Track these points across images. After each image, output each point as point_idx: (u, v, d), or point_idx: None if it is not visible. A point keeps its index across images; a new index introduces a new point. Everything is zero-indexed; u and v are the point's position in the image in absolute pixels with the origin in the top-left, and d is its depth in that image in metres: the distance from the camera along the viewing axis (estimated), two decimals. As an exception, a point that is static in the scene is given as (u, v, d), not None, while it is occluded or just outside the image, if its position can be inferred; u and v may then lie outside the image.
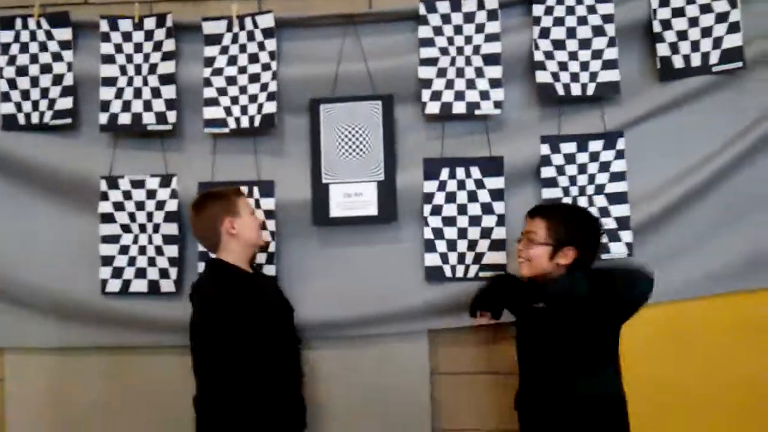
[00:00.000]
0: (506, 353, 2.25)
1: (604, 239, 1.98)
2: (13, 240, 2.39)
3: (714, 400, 2.22)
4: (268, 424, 1.90)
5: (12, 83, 2.39)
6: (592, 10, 2.24)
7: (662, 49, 2.21)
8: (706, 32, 2.19)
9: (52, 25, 2.38)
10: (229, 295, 1.92)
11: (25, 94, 2.39)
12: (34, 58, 2.40)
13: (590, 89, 2.21)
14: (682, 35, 2.21)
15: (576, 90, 2.21)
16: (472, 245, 2.26)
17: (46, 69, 2.39)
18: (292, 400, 2.03)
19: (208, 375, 1.88)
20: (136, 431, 2.37)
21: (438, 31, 2.27)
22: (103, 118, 2.34)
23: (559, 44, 2.24)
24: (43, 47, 2.40)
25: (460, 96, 2.25)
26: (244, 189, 2.22)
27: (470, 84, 2.25)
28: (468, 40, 2.27)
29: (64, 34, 2.38)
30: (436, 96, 2.25)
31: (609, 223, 2.16)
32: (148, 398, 2.36)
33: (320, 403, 2.30)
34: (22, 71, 2.39)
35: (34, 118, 2.38)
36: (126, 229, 2.33)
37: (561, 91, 2.22)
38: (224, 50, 2.34)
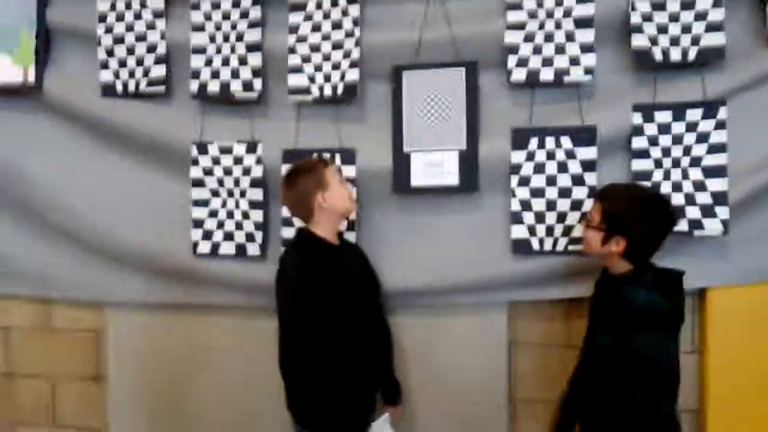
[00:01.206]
0: (581, 328, 2.26)
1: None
2: (112, 202, 2.57)
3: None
4: (348, 395, 2.00)
5: (110, 52, 2.55)
6: (696, -33, 2.12)
7: (773, 9, 2.07)
8: (825, -8, 2.03)
9: (145, -6, 2.51)
10: (310, 266, 2.01)
11: (122, 63, 2.55)
12: (129, 27, 2.54)
13: (692, 54, 2.10)
14: (798, -6, 2.06)
15: (676, 55, 2.11)
16: (561, 217, 2.23)
17: (140, 38, 2.53)
18: (373, 374, 2.13)
19: (286, 341, 1.98)
20: (222, 387, 2.55)
21: (526, -7, 2.23)
22: (194, 85, 2.46)
23: (658, 5, 2.13)
24: (138, 16, 2.54)
25: (548, 62, 2.20)
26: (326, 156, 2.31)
27: (559, 49, 2.19)
28: (558, 2, 2.20)
29: (157, 2, 2.51)
30: (522, 62, 2.21)
31: (704, 198, 2.09)
32: (234, 356, 2.53)
33: (399, 371, 2.37)
34: (118, 40, 2.55)
35: (131, 86, 2.54)
36: (215, 193, 2.47)
37: (659, 57, 2.12)
38: (308, 17, 2.39)
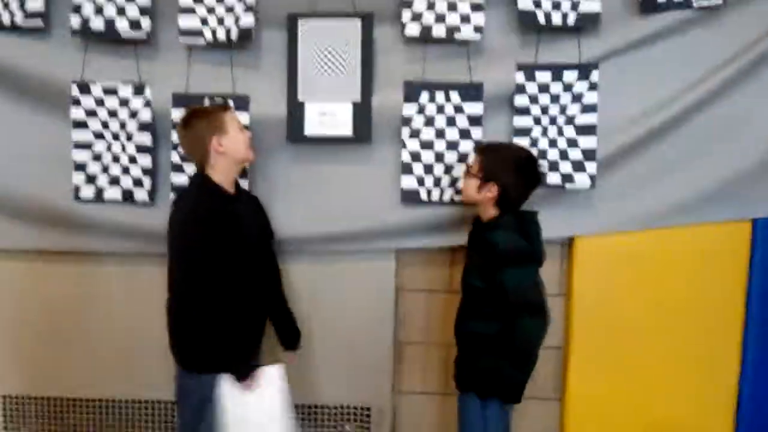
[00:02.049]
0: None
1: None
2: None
3: (660, 327, 2.44)
4: (232, 336, 2.04)
5: (-20, -21, 2.38)
6: (576, -62, 2.28)
7: (644, -19, 2.28)
8: (689, -35, 2.26)
9: None
10: (205, 211, 2.01)
11: (-6, -7, 2.39)
12: (2, -45, 2.38)
13: (570, 19, 2.27)
14: (666, -32, 2.27)
15: (557, 19, 2.27)
16: (448, 169, 2.37)
17: (15, -34, 2.38)
18: (261, 316, 2.20)
19: (178, 287, 2.01)
20: (106, 337, 2.52)
21: (420, -50, 2.30)
22: (75, 21, 2.35)
23: (541, -29, 2.28)
24: (11, -58, 2.38)
25: (440, 18, 2.30)
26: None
27: (451, 6, 2.29)
28: (450, -40, 2.30)
29: (34, -71, 2.36)
30: (416, 17, 2.30)
31: (576, 155, 2.30)
32: (119, 304, 2.51)
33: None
34: (-10, -33, 2.38)
35: (5, 19, 2.38)
36: (98, 136, 2.40)
37: (542, 20, 2.27)
38: (201, -43, 2.35)
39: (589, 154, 2.31)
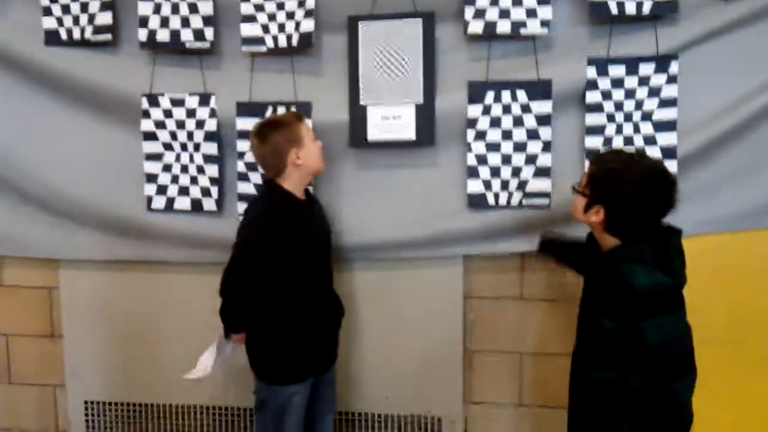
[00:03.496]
0: (533, 280, 2.43)
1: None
2: (63, 156, 2.59)
3: (745, 335, 2.33)
4: (293, 352, 2.12)
5: (53, -3, 2.53)
6: None
7: (727, -36, 2.16)
8: (777, -53, 2.13)
9: (90, -63, 2.47)
10: (278, 219, 2.07)
11: (66, 9, 2.52)
12: (73, -28, 2.52)
13: (646, 7, 2.18)
14: (750, -51, 2.15)
15: (630, 8, 2.19)
16: (516, 172, 2.34)
17: (85, -17, 2.51)
18: (321, 331, 2.23)
19: (237, 289, 2.08)
20: (178, 343, 2.62)
21: (483, -57, 2.27)
22: (142, 34, 2.46)
23: (614, -42, 2.21)
24: (82, -40, 2.51)
25: (505, 14, 2.26)
26: (282, 110, 2.36)
27: (516, 1, 2.25)
28: (515, -47, 2.26)
29: (104, -53, 2.48)
30: (479, 14, 2.27)
31: (654, 153, 2.20)
32: (197, 313, 2.60)
33: (356, 323, 2.52)
34: (62, -16, 2.52)
35: (76, 34, 2.53)
36: (168, 147, 2.51)
37: (614, 10, 2.20)
38: (261, -36, 2.40)
39: (669, 152, 2.21)
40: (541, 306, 2.48)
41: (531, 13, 2.25)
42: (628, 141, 2.25)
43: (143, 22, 2.46)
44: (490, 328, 2.54)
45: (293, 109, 2.38)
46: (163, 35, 2.45)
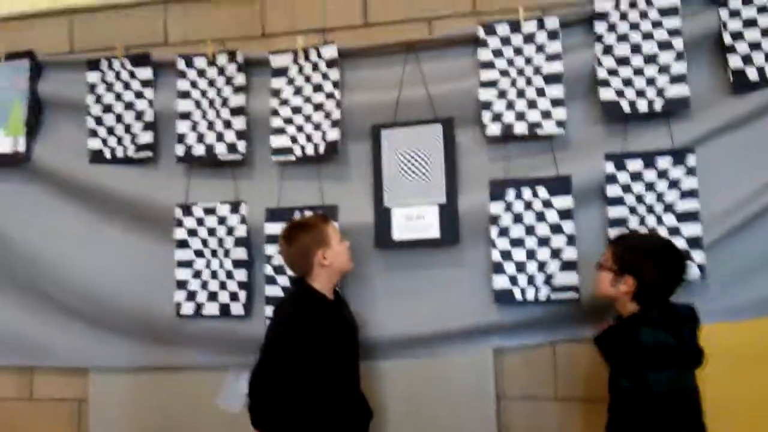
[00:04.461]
0: (568, 374, 2.38)
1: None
2: (97, 266, 2.72)
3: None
4: None
5: (98, 120, 2.77)
6: (657, 24, 2.35)
7: (734, 61, 2.28)
8: (781, 42, 2.26)
9: (135, 64, 2.75)
10: (308, 320, 2.11)
11: (110, 131, 2.77)
12: (118, 97, 2.77)
13: (658, 105, 2.30)
14: (755, 46, 2.28)
15: (643, 106, 2.31)
16: (541, 266, 2.37)
17: (129, 106, 2.75)
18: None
19: (268, 391, 2.08)
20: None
21: (498, 53, 2.45)
22: (180, 150, 2.66)
23: (623, 60, 2.35)
24: (127, 86, 2.77)
25: (521, 116, 2.40)
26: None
27: (531, 104, 2.40)
28: (528, 60, 2.43)
29: (145, 73, 2.75)
30: (497, 117, 2.42)
31: (680, 244, 2.20)
32: (220, 416, 2.60)
33: (381, 425, 2.46)
34: (107, 109, 2.77)
35: (119, 153, 2.75)
36: (199, 254, 2.62)
37: (627, 108, 2.32)
38: (290, 81, 2.61)
39: (694, 242, 2.23)
40: (576, 406, 2.41)
41: (546, 114, 2.39)
42: (652, 232, 2.27)
43: (180, 138, 2.67)
44: (525, 426, 2.46)
45: (320, 213, 2.50)
46: (198, 150, 2.65)
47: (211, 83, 2.69)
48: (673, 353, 1.84)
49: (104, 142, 2.77)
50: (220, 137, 2.65)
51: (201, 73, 2.70)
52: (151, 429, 2.71)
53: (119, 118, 2.76)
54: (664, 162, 2.29)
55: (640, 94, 2.32)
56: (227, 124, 2.65)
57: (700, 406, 1.86)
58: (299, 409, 2.08)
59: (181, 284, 2.62)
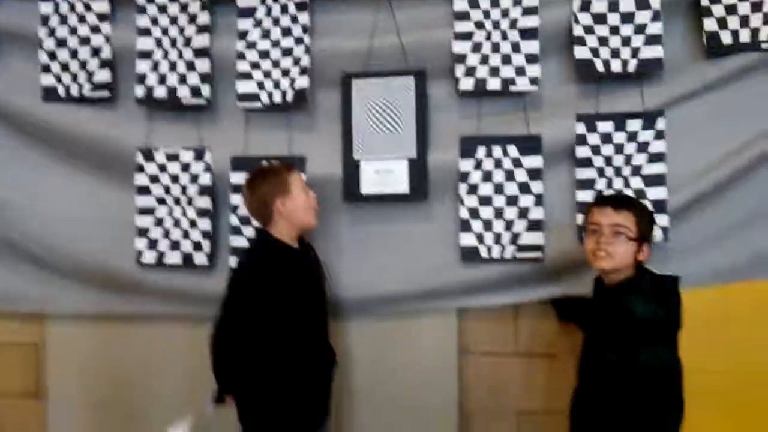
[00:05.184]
0: (530, 332, 2.47)
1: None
2: (53, 209, 2.65)
3: (749, 387, 2.34)
4: (288, 406, 2.13)
5: (52, 55, 2.64)
6: (636, -18, 2.33)
7: (709, 24, 2.29)
8: (756, 7, 2.27)
9: (90, -4, 2.61)
10: (269, 268, 2.11)
11: (65, 67, 2.64)
12: (73, 31, 2.64)
13: (631, 66, 2.31)
14: (731, 9, 2.28)
15: (616, 66, 2.31)
16: (508, 225, 2.41)
17: (84, 41, 2.63)
18: (316, 384, 2.24)
19: (234, 345, 2.10)
20: (168, 400, 2.61)
21: (474, 3, 2.41)
22: (140, 91, 2.57)
23: (599, 18, 2.33)
24: (82, 19, 2.63)
25: (495, 72, 2.38)
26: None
27: (506, 59, 2.38)
28: (505, 13, 2.39)
29: (102, 6, 2.61)
30: (470, 72, 2.39)
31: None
32: (179, 367, 2.64)
33: (347, 380, 2.52)
34: (61, 43, 2.64)
35: (74, 90, 2.63)
36: (161, 201, 2.58)
37: (600, 68, 2.32)
38: (257, 23, 2.52)
39: (659, 206, 2.28)
40: (538, 361, 2.51)
41: (520, 71, 2.37)
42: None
43: (141, 79, 2.57)
44: (487, 384, 2.55)
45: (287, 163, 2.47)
46: (160, 92, 2.56)
47: (173, 20, 2.58)
48: (668, 329, 1.84)
49: (58, 78, 2.65)
50: (182, 79, 2.56)
51: (162, 9, 2.58)
52: (110, 377, 2.72)
53: (74, 54, 2.64)
54: (633, 125, 2.32)
55: (615, 53, 2.32)
56: (190, 66, 2.56)
57: (681, 382, 1.86)
58: (264, 361, 2.10)
59: (142, 232, 2.58)
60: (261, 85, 2.51)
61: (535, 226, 2.38)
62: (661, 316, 1.82)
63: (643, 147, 2.32)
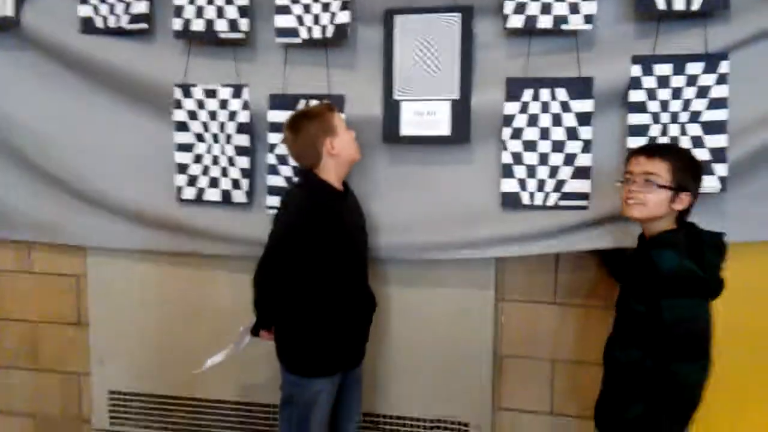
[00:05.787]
0: (568, 283, 2.44)
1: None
2: (93, 143, 2.68)
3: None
4: (325, 344, 2.17)
5: (89, -16, 2.62)
6: None
7: (784, -42, 2.12)
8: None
9: (127, -75, 2.54)
10: (318, 211, 2.11)
11: (102, -2, 2.62)
12: (109, -40, 2.60)
13: (695, 3, 2.15)
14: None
15: (679, 4, 2.17)
16: (553, 172, 2.33)
17: (121, -30, 2.58)
18: (353, 326, 2.27)
19: (272, 280, 2.13)
20: (210, 338, 2.67)
21: (527, -66, 2.27)
22: (177, 23, 2.52)
23: (664, -49, 2.18)
24: (118, -52, 2.59)
25: (546, 8, 2.26)
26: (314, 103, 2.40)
27: (559, -5, 2.26)
28: (560, -55, 2.25)
29: (139, -66, 2.55)
30: (519, 8, 2.27)
31: (702, 155, 2.16)
32: (215, 305, 2.70)
33: (382, 323, 2.55)
34: (99, -28, 2.60)
35: (111, 22, 2.60)
36: (200, 138, 2.57)
37: (662, 5, 2.18)
38: (298, -46, 2.44)
39: (718, 154, 2.18)
40: (574, 311, 2.48)
41: (574, 8, 2.24)
42: (674, 142, 2.22)
43: (178, 11, 2.52)
44: (523, 332, 2.54)
45: (326, 102, 2.42)
46: (197, 25, 2.51)
47: (212, -51, 2.51)
48: (691, 281, 1.80)
49: (95, 9, 2.62)
50: (220, 12, 2.50)
51: (200, -62, 2.51)
52: (149, 310, 2.81)
53: (112, -17, 2.60)
54: (694, 68, 2.18)
55: (679, -11, 2.18)
56: (228, -1, 2.51)
57: (710, 337, 1.82)
58: (304, 298, 2.14)
59: (182, 168, 2.59)
60: (300, 20, 2.44)
61: (581, 173, 2.30)
62: (687, 271, 1.79)
63: (703, 92, 2.19)
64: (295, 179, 2.45)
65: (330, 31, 2.41)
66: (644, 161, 1.89)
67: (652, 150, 1.93)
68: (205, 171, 2.58)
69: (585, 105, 2.27)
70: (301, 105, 2.44)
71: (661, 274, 1.80)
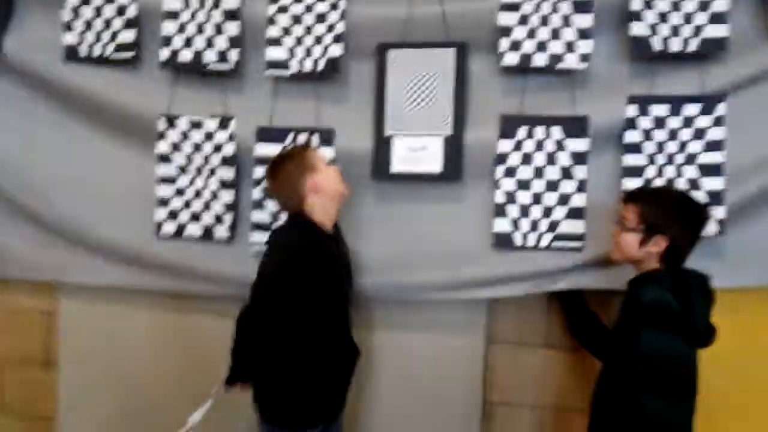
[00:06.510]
0: (562, 324, 2.39)
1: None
2: (71, 175, 2.60)
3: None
4: (309, 395, 2.08)
5: (75, 12, 2.57)
6: (701, -46, 2.18)
7: (780, 2, 2.14)
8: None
9: (117, -46, 2.52)
10: (305, 249, 2.03)
11: (88, 25, 2.57)
12: (97, -13, 2.57)
13: (692, 45, 2.16)
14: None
15: (675, 45, 2.17)
16: (547, 212, 2.29)
17: (109, -1, 2.56)
18: (335, 378, 2.18)
19: (257, 325, 2.02)
20: (181, 374, 2.59)
21: (522, -28, 2.28)
22: (164, 53, 2.49)
23: (660, -9, 2.20)
24: (107, -24, 2.56)
25: (542, 47, 2.26)
26: (303, 136, 2.37)
27: (555, 34, 2.25)
28: (556, -16, 2.26)
29: (129, -37, 2.53)
30: (515, 46, 2.27)
31: (699, 198, 2.13)
32: (193, 342, 2.59)
33: (369, 366, 2.46)
34: (85, 0, 2.56)
35: (96, 51, 2.56)
36: (182, 170, 2.50)
37: (658, 46, 2.18)
38: (291, -14, 2.43)
39: (715, 197, 2.16)
40: (566, 355, 2.42)
41: (570, 47, 2.24)
42: (670, 184, 2.19)
43: (166, 41, 2.49)
44: (514, 378, 2.46)
45: (315, 135, 2.39)
46: (185, 55, 2.48)
47: (202, -19, 2.50)
48: (672, 315, 1.80)
49: (81, 37, 2.58)
50: (209, 43, 2.47)
51: (191, -32, 2.50)
52: (122, 349, 2.68)
53: (98, 12, 2.56)
54: (691, 109, 2.18)
55: (675, 31, 2.18)
56: (218, 29, 2.47)
57: (690, 379, 1.82)
58: (287, 347, 2.04)
59: (163, 202, 2.52)
60: (291, 52, 2.41)
61: (575, 213, 2.26)
62: (668, 303, 1.80)
63: (699, 134, 2.18)
64: (283, 215, 2.36)
65: (321, 64, 2.38)
66: (622, 204, 2.00)
67: (628, 193, 2.04)
68: (187, 205, 2.51)
69: (580, 144, 2.25)
70: (290, 138, 2.39)
71: (644, 304, 1.83)
